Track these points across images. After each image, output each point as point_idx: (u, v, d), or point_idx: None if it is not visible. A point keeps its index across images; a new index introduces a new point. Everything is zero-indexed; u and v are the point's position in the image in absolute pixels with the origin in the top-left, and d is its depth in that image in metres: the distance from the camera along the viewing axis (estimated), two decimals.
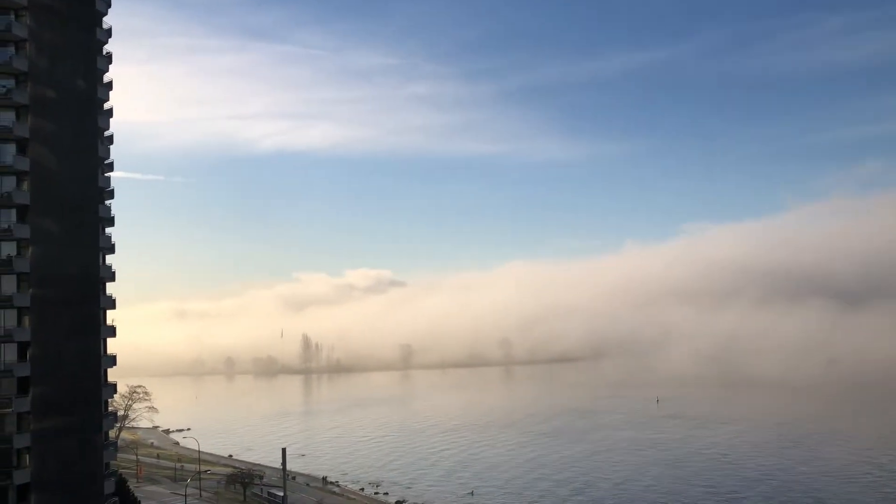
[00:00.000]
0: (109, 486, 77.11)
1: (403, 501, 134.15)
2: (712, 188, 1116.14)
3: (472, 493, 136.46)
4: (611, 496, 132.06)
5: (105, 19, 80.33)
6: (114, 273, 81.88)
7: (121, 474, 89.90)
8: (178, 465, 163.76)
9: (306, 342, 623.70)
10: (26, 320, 69.79)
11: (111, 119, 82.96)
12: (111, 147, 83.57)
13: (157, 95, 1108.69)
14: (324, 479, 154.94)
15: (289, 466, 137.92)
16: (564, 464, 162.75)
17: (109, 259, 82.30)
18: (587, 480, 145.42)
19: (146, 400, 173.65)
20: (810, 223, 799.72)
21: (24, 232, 69.64)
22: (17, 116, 70.95)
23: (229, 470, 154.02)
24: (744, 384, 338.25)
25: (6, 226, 69.72)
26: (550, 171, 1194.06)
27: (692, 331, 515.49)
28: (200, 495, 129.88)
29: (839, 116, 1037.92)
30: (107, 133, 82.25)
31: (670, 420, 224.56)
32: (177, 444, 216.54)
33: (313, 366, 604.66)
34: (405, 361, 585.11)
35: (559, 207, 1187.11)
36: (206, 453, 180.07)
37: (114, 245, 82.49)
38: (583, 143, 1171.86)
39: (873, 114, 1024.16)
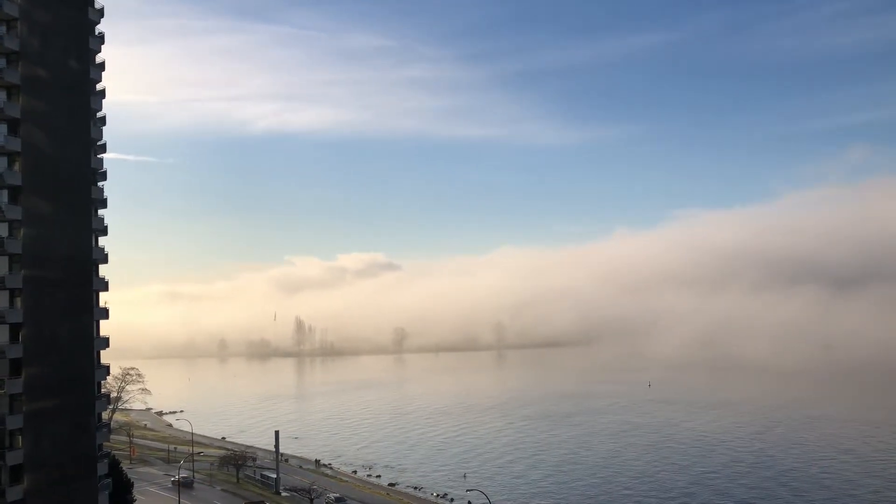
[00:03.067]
0: (102, 468, 77.19)
1: (396, 484, 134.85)
2: (703, 174, 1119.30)
3: (464, 476, 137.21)
4: (606, 481, 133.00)
5: None
6: (106, 255, 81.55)
7: (114, 456, 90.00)
8: (172, 447, 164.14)
9: (299, 325, 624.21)
10: (18, 302, 69.48)
11: (103, 100, 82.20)
12: (103, 128, 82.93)
13: (150, 76, 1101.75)
14: (317, 461, 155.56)
15: (282, 449, 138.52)
16: (559, 448, 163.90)
17: (102, 241, 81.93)
18: (582, 465, 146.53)
19: (139, 382, 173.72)
20: (801, 209, 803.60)
21: (17, 213, 69.18)
22: (9, 96, 70.24)
23: (222, 452, 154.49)
24: (736, 368, 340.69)
25: None
26: (545, 156, 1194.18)
27: (684, 316, 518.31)
28: (194, 476, 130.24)
29: (829, 103, 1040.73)
30: (99, 114, 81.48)
31: (663, 405, 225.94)
32: (170, 425, 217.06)
33: (306, 349, 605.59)
34: (398, 345, 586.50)
35: (553, 192, 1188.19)
36: (200, 435, 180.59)
37: (106, 227, 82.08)
38: (578, 127, 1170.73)
39: (861, 101, 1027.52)
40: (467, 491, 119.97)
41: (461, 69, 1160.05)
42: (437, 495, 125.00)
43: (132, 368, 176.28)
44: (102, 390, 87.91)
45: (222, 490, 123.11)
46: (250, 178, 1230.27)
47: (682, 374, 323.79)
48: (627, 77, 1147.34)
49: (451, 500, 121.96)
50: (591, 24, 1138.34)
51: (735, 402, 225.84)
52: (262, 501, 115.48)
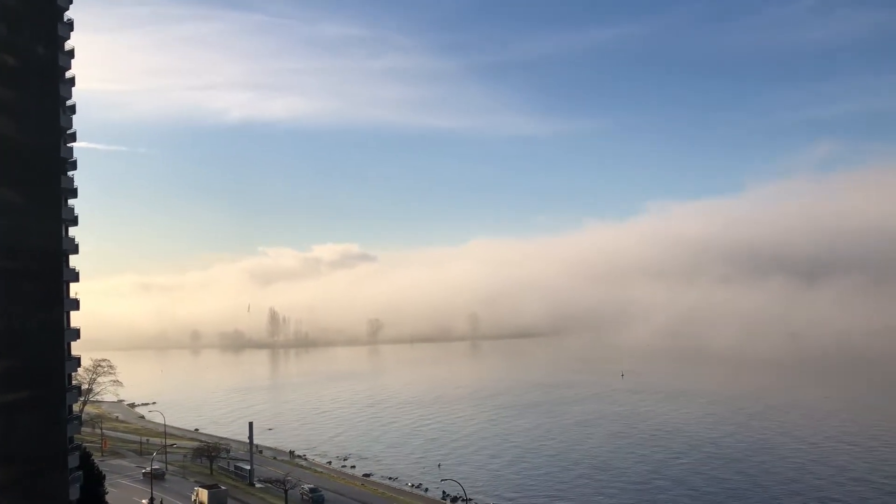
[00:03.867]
0: (74, 460, 76.37)
1: (371, 474, 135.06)
2: (674, 167, 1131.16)
3: (439, 466, 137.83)
4: (573, 469, 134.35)
5: None
6: (77, 245, 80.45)
7: (85, 448, 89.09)
8: (144, 438, 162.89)
9: (273, 316, 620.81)
10: None
11: (73, 88, 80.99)
12: (73, 117, 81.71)
13: (122, 64, 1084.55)
14: (291, 452, 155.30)
15: (256, 440, 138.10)
16: (533, 437, 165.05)
17: (72, 231, 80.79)
18: (557, 454, 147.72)
19: (111, 374, 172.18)
20: (769, 202, 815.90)
21: None
22: None
23: (196, 443, 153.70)
24: (705, 358, 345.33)
25: None
26: (519, 148, 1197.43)
27: (654, 307, 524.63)
28: (166, 468, 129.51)
29: (798, 97, 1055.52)
30: (69, 102, 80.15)
31: (635, 394, 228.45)
32: (142, 417, 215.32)
33: (280, 340, 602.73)
34: (373, 336, 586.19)
35: (526, 184, 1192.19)
36: (172, 427, 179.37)
37: (77, 217, 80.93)
38: (550, 119, 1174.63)
39: (829, 95, 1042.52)
40: (442, 481, 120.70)
41: (434, 60, 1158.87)
42: (412, 485, 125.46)
43: (104, 360, 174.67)
44: (73, 382, 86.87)
45: (195, 482, 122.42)
46: (224, 168, 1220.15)
47: (653, 364, 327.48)
48: (600, 69, 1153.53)
49: (426, 489, 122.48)
50: (565, 15, 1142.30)
51: (704, 391, 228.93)
52: (217, 484, 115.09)
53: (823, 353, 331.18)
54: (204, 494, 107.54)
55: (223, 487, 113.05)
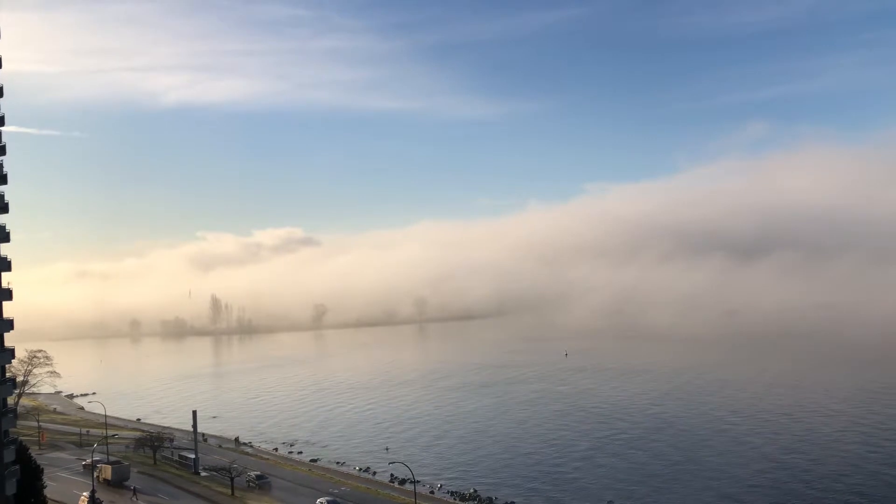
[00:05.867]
0: (9, 455, 74.44)
1: (318, 459, 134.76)
2: (612, 149, 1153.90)
3: (386, 449, 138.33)
4: (533, 446, 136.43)
5: None
6: (8, 233, 78.03)
7: (21, 442, 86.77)
8: (84, 430, 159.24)
9: (215, 303, 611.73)
10: None
11: (0, 70, 78.18)
12: (1, 100, 78.90)
13: (53, 45, 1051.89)
14: (236, 439, 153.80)
15: (200, 429, 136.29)
16: (479, 418, 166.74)
17: (3, 219, 78.37)
18: (504, 434, 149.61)
19: (47, 365, 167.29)
20: (704, 183, 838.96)
21: None
22: None
23: (138, 434, 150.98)
24: (646, 336, 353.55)
25: None
26: (463, 130, 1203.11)
27: (596, 287, 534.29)
28: (108, 460, 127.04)
29: (731, 80, 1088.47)
30: None
31: (578, 373, 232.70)
32: (81, 409, 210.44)
33: (223, 327, 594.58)
34: (318, 321, 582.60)
35: (470, 166, 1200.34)
36: (113, 417, 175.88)
37: (7, 204, 78.45)
38: (495, 101, 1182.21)
39: (761, 78, 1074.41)
40: (390, 464, 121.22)
41: (378, 41, 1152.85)
42: (360, 469, 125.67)
43: (39, 351, 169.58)
44: (7, 374, 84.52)
45: (139, 472, 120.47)
46: (160, 151, 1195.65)
47: (596, 342, 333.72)
48: (542, 51, 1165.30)
49: (374, 473, 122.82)
50: None
51: (645, 369, 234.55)
52: (119, 461, 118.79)
53: (761, 330, 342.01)
54: (108, 470, 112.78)
55: (125, 463, 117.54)
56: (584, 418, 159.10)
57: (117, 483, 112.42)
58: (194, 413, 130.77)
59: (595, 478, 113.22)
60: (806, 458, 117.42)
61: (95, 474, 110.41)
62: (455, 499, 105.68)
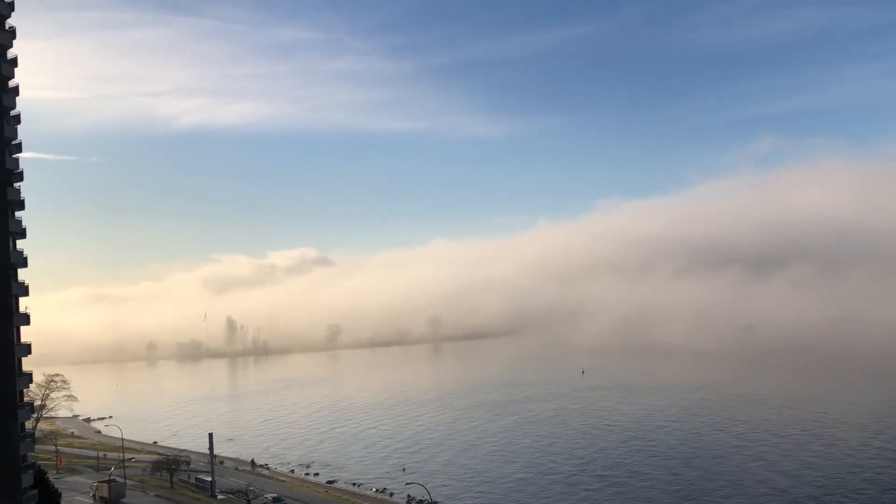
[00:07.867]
0: (27, 479, 74.58)
1: (335, 481, 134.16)
2: (622, 165, 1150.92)
3: (403, 470, 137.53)
4: (555, 467, 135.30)
5: None
6: (25, 259, 78.64)
7: (39, 466, 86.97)
8: (101, 454, 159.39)
9: (230, 325, 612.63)
10: None
11: (17, 97, 79.14)
12: (18, 127, 79.80)
13: (68, 72, 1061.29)
14: (252, 461, 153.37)
15: (216, 451, 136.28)
16: (499, 438, 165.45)
17: (21, 244, 78.97)
18: (524, 453, 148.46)
19: (64, 388, 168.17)
20: (715, 197, 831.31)
21: None
22: None
23: (154, 457, 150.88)
24: (662, 352, 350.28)
25: None
26: (473, 149, 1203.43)
27: (609, 303, 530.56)
28: (125, 483, 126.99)
29: (740, 95, 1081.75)
30: (13, 112, 78.39)
31: (597, 391, 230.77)
32: (98, 432, 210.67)
33: (238, 349, 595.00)
34: (333, 341, 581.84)
35: (480, 184, 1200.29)
36: (130, 441, 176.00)
37: (25, 229, 79.12)
38: (505, 120, 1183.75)
39: (769, 92, 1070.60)
40: (407, 485, 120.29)
41: (388, 62, 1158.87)
42: (377, 490, 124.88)
43: (57, 375, 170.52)
44: (25, 399, 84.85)
45: (155, 496, 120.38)
46: (176, 175, 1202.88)
47: (611, 360, 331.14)
48: (551, 70, 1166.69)
49: (391, 494, 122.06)
50: (516, 17, 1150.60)
51: (661, 385, 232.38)
52: (115, 479, 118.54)
53: (777, 345, 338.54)
54: (104, 489, 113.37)
55: (121, 481, 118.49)
56: (601, 435, 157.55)
57: (115, 501, 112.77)
58: (210, 435, 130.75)
59: (611, 495, 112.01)
60: (824, 476, 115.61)
61: (92, 493, 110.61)
62: None
